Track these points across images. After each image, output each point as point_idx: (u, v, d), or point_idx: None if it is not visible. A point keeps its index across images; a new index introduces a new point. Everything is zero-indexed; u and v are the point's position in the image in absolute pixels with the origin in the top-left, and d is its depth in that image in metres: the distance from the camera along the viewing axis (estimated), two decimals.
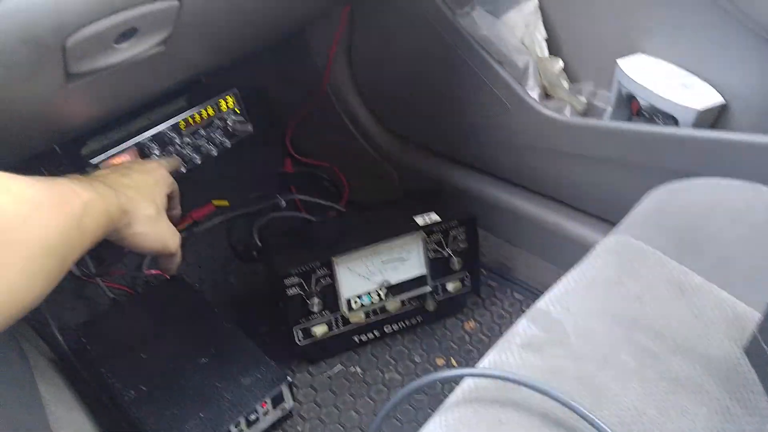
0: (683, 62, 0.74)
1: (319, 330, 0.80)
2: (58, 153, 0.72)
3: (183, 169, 0.81)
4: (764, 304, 0.45)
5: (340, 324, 0.82)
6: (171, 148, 0.81)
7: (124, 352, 0.75)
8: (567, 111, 0.82)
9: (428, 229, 0.82)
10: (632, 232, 0.57)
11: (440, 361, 0.86)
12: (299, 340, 0.80)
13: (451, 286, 0.85)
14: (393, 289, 0.82)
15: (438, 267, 0.83)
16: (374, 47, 0.97)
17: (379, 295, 0.82)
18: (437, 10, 0.83)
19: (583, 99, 0.83)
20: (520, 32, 0.84)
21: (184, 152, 0.83)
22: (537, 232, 0.90)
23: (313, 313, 0.79)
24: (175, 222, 0.63)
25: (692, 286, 0.51)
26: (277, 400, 0.74)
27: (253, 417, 0.71)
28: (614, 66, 0.77)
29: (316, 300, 0.78)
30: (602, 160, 0.78)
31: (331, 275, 0.78)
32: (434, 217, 0.83)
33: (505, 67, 0.82)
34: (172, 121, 0.81)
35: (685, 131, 0.71)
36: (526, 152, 0.86)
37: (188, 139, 0.83)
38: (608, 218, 0.83)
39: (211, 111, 0.85)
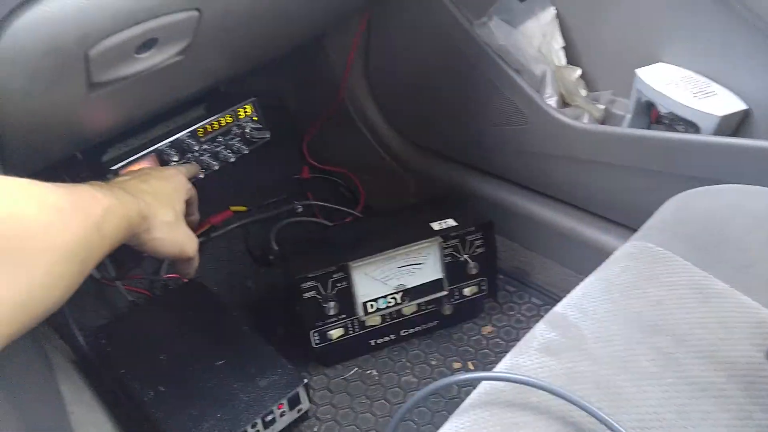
0: (703, 69, 0.73)
1: (335, 333, 0.80)
2: (79, 160, 0.74)
3: (201, 175, 0.82)
4: None
5: (356, 327, 0.82)
6: (189, 155, 0.82)
7: (143, 353, 0.76)
8: (585, 118, 0.82)
9: (445, 235, 0.81)
10: (652, 237, 0.56)
11: (457, 365, 0.85)
12: (315, 343, 0.80)
13: (467, 291, 0.85)
14: (409, 293, 0.82)
15: (455, 271, 0.83)
16: (391, 56, 0.98)
17: (395, 298, 0.82)
18: (454, 20, 0.84)
19: (601, 106, 0.83)
20: (537, 41, 0.84)
21: (203, 159, 0.84)
22: (554, 238, 0.89)
23: (329, 316, 0.79)
24: (193, 227, 0.64)
25: (715, 291, 0.50)
26: (294, 402, 0.74)
27: (269, 418, 0.71)
28: (632, 75, 0.76)
29: (332, 303, 0.78)
30: (621, 167, 0.78)
31: (348, 279, 0.79)
32: (451, 222, 0.83)
33: (523, 76, 0.82)
34: (190, 129, 0.82)
35: (706, 138, 0.70)
36: (544, 159, 0.86)
37: (206, 146, 0.84)
38: (627, 224, 0.82)
39: (229, 119, 0.86)
